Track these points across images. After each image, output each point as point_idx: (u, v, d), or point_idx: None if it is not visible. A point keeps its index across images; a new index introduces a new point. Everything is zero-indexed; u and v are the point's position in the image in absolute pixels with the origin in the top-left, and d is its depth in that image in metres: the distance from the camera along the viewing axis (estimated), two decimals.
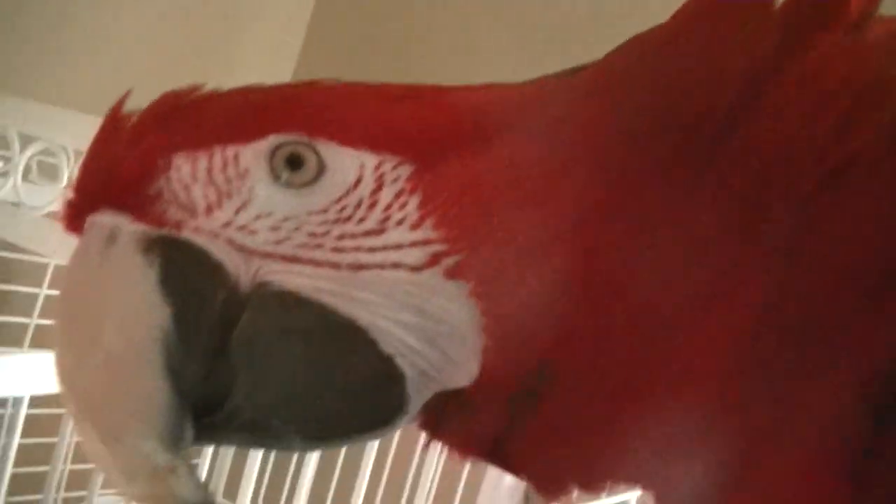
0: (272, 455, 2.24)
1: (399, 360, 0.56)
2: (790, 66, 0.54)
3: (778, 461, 0.53)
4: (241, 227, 0.57)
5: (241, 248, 0.57)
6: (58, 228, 1.53)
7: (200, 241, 0.57)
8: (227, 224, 0.57)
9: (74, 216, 0.59)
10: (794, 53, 0.54)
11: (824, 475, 0.52)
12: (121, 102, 0.60)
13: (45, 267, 1.99)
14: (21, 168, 1.56)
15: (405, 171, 0.57)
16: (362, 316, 0.55)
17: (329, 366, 0.56)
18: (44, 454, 1.80)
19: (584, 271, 0.54)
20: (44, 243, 1.58)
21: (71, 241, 1.50)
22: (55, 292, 1.95)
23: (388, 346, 0.55)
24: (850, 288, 0.52)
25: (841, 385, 0.52)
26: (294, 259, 0.56)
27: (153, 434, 0.55)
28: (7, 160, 1.61)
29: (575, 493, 0.59)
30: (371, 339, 0.55)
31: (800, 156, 0.53)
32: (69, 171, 1.52)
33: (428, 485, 1.48)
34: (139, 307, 0.56)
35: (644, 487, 0.60)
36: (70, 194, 0.60)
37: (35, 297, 2.02)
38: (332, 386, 0.56)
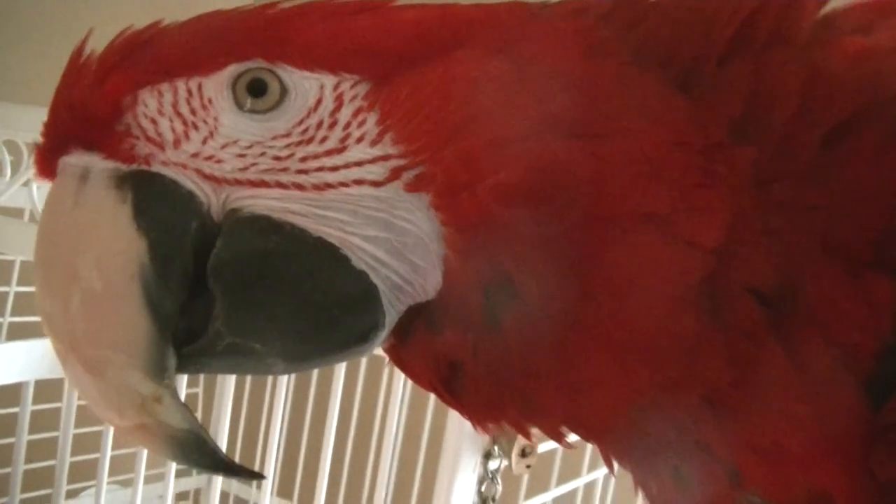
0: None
1: (372, 275, 0.57)
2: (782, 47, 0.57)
3: (753, 436, 0.54)
4: (209, 157, 0.59)
5: (210, 177, 0.58)
6: (11, 224, 1.53)
7: (170, 173, 0.58)
8: (195, 155, 0.59)
9: (46, 160, 0.60)
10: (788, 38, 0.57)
11: (811, 450, 0.53)
12: (83, 43, 0.60)
13: (11, 264, 1.98)
14: None
15: (363, 88, 0.59)
16: (332, 234, 0.57)
17: (305, 285, 0.57)
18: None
19: (541, 181, 0.55)
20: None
21: (22, 235, 1.48)
22: (25, 289, 1.94)
23: (359, 262, 0.57)
24: (833, 260, 0.54)
25: (829, 361, 0.53)
26: (261, 183, 0.58)
27: (137, 365, 0.56)
28: None
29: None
30: (343, 255, 0.57)
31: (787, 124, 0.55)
32: (25, 164, 1.52)
33: (393, 436, 1.52)
34: (115, 242, 0.57)
35: (588, 435, 0.61)
36: (40, 139, 0.61)
37: (5, 294, 2.01)
38: (309, 305, 0.57)
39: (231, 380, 1.69)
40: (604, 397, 0.56)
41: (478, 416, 0.60)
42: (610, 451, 0.61)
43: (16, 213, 1.81)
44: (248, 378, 2.27)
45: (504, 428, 0.60)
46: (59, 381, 1.78)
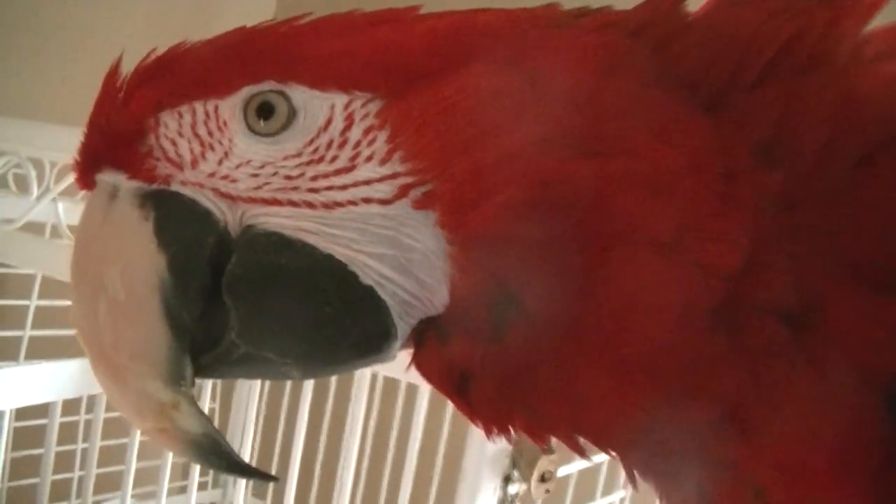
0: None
1: (379, 291, 0.59)
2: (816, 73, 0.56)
3: (779, 454, 0.54)
4: (224, 177, 0.61)
5: (226, 196, 0.61)
6: (34, 241, 1.55)
7: (189, 192, 0.61)
8: (211, 175, 0.61)
9: (83, 175, 0.64)
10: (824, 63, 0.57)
11: (830, 472, 0.53)
12: (117, 64, 0.63)
13: (32, 278, 2.00)
14: None
15: (375, 106, 0.60)
16: (340, 251, 0.59)
17: (315, 299, 0.59)
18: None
19: (545, 199, 0.56)
20: (21, 257, 1.60)
21: (49, 253, 1.50)
22: (46, 303, 1.96)
23: (367, 279, 0.59)
24: (858, 282, 0.53)
25: (853, 381, 0.52)
26: (274, 202, 0.60)
27: (156, 374, 0.59)
28: None
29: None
30: (351, 272, 0.59)
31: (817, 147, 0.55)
32: (47, 183, 1.54)
33: (413, 455, 1.54)
34: (137, 257, 0.60)
35: (602, 446, 0.61)
36: (76, 156, 0.64)
37: (26, 309, 2.03)
38: (320, 318, 0.59)
39: (253, 402, 1.71)
40: (603, 414, 0.57)
41: (487, 424, 0.62)
42: (631, 464, 0.61)
43: (38, 227, 1.83)
44: (264, 400, 2.29)
45: (520, 437, 0.62)
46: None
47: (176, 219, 0.61)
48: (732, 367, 0.54)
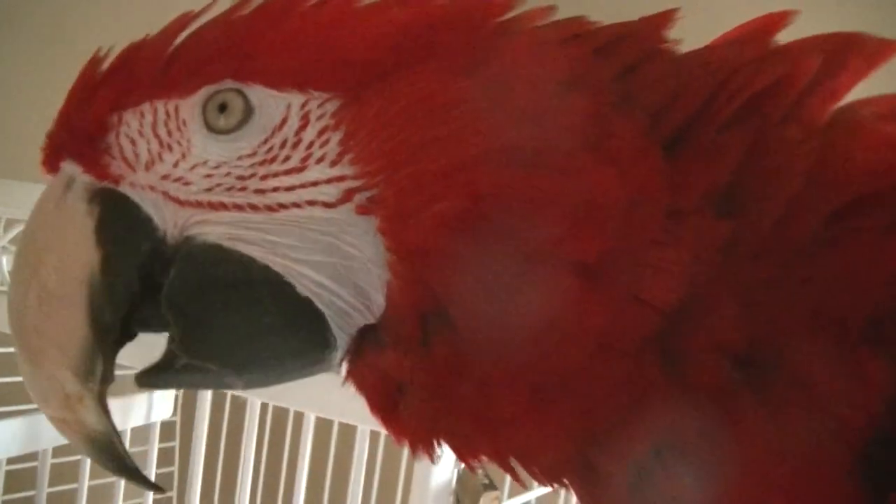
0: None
1: (316, 301, 0.59)
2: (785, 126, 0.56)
3: (729, 497, 0.53)
4: (178, 179, 0.61)
5: (175, 199, 0.61)
6: None
7: (136, 195, 0.62)
8: (164, 177, 0.61)
9: (47, 161, 0.65)
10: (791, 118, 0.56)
11: None
12: (95, 59, 0.63)
13: None
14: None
15: (332, 106, 0.59)
16: (277, 262, 0.59)
17: (253, 312, 0.59)
18: None
19: (480, 211, 0.55)
20: None
21: None
22: None
23: (304, 290, 0.59)
24: (823, 331, 0.53)
25: (815, 428, 0.51)
26: (220, 206, 0.60)
27: (67, 364, 0.60)
28: None
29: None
30: (287, 283, 0.59)
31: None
32: None
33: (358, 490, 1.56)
34: (75, 250, 0.61)
35: (534, 474, 0.60)
36: (44, 142, 0.64)
37: None
38: (258, 330, 0.59)
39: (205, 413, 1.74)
40: (525, 437, 0.57)
41: (413, 439, 0.61)
42: (577, 495, 0.61)
43: None
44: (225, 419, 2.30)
45: (464, 473, 0.62)
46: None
47: (116, 220, 0.61)
48: (670, 400, 0.53)
